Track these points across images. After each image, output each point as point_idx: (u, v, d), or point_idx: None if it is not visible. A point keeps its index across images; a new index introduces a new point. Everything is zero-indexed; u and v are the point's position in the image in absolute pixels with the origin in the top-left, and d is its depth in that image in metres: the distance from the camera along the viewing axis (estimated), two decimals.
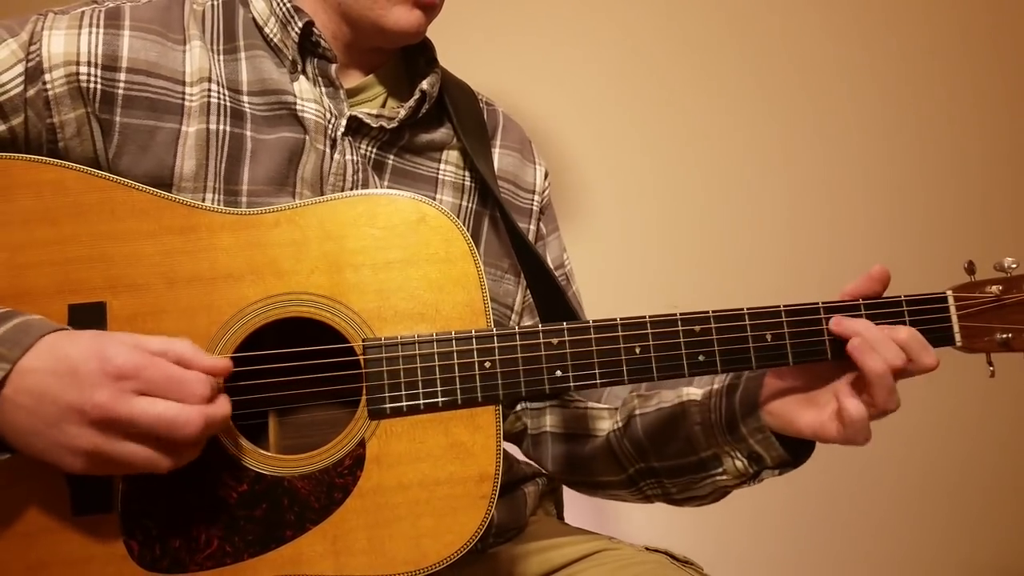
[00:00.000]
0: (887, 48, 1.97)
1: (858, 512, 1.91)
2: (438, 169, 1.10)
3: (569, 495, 1.27)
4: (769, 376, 1.00)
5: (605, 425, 1.16)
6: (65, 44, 0.94)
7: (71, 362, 0.76)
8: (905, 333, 0.92)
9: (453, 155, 1.12)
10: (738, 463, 1.04)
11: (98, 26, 0.96)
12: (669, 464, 1.10)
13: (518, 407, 1.21)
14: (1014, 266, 0.96)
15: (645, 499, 1.16)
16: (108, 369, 0.76)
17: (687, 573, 1.07)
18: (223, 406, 0.81)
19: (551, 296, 1.06)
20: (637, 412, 1.12)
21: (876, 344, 0.90)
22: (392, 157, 1.07)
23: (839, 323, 0.93)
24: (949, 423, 1.89)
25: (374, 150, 1.05)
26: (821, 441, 0.97)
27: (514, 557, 1.10)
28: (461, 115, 1.11)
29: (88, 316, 0.87)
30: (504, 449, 1.18)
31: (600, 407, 1.17)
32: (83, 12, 0.98)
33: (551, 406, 1.20)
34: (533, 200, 1.19)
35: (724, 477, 1.06)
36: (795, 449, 1.01)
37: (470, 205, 1.11)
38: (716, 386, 1.07)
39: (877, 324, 0.93)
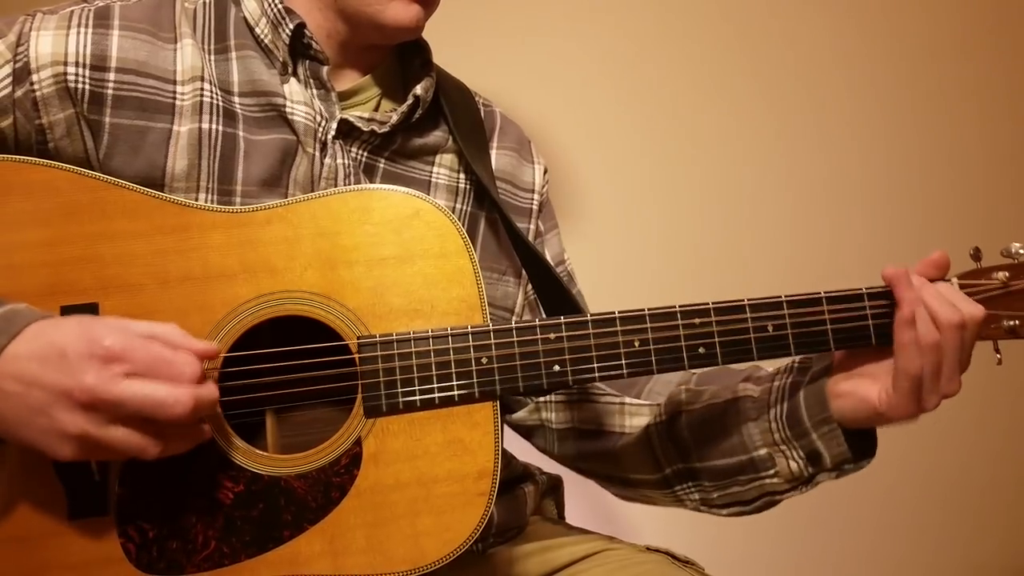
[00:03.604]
0: (885, 38, 1.95)
1: (858, 512, 1.89)
2: (431, 172, 1.08)
3: (570, 494, 1.26)
4: (841, 356, 0.97)
5: (642, 421, 1.11)
6: (53, 45, 0.94)
7: (58, 346, 0.76)
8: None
9: (448, 158, 1.10)
10: (793, 464, 0.99)
11: (87, 26, 0.95)
12: (713, 464, 1.05)
13: (541, 399, 1.18)
14: (1022, 251, 0.94)
15: (678, 502, 1.11)
16: (96, 351, 0.75)
17: (688, 573, 1.05)
18: (212, 389, 0.81)
19: (555, 293, 1.04)
20: (684, 408, 1.08)
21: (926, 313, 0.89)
22: (383, 161, 1.05)
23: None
24: (948, 421, 1.86)
25: (365, 154, 1.04)
26: (886, 417, 0.94)
27: (514, 557, 1.08)
28: (457, 117, 1.09)
29: None
30: (504, 447, 1.17)
31: (639, 403, 1.13)
32: (72, 12, 0.97)
33: (579, 400, 1.16)
34: (532, 199, 1.17)
35: (775, 480, 1.01)
36: (858, 447, 0.98)
37: (465, 207, 1.10)
38: (777, 383, 1.03)
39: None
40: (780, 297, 0.92)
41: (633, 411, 1.13)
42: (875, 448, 0.99)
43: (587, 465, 1.17)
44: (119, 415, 0.76)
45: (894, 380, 0.91)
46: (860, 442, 0.98)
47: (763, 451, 1.01)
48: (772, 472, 1.01)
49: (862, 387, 0.95)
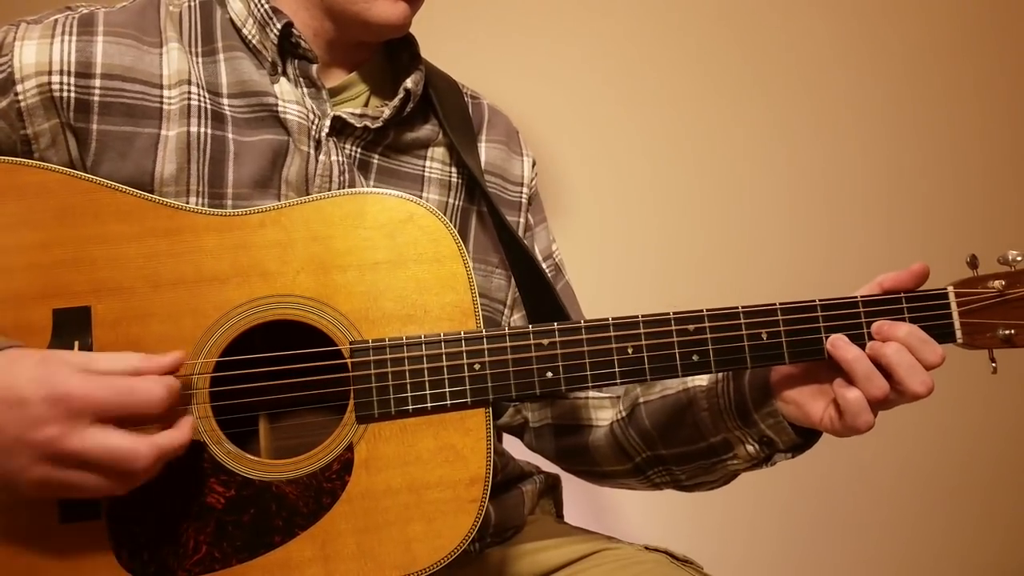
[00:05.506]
0: (885, 42, 1.94)
1: (858, 512, 1.90)
2: (424, 166, 1.08)
3: (568, 494, 1.26)
4: None
5: (607, 415, 1.15)
6: (37, 54, 0.93)
7: (18, 392, 0.74)
8: (904, 331, 0.90)
9: (439, 151, 1.10)
10: (749, 448, 1.03)
11: (71, 34, 0.95)
12: (677, 451, 1.09)
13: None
14: (1019, 259, 0.93)
15: (654, 487, 1.16)
16: (56, 399, 0.73)
17: (687, 572, 1.06)
18: (179, 435, 0.79)
19: (540, 292, 1.05)
20: (641, 400, 1.11)
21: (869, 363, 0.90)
22: (377, 156, 1.05)
23: (835, 346, 0.91)
24: (950, 422, 1.87)
25: (359, 150, 1.04)
26: (832, 434, 0.96)
27: (512, 557, 1.09)
28: (447, 110, 1.09)
29: (73, 320, 0.86)
30: (502, 448, 1.18)
31: (601, 396, 1.16)
32: (56, 20, 0.96)
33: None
34: (521, 192, 1.17)
35: (735, 462, 1.05)
36: (806, 430, 1.00)
37: (457, 202, 1.09)
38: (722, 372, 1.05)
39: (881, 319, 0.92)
40: (775, 304, 0.92)
41: (596, 404, 1.16)
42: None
43: (566, 463, 1.20)
44: (82, 463, 0.75)
45: (839, 410, 0.92)
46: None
47: (719, 437, 1.05)
48: (731, 455, 1.05)
49: (807, 401, 0.97)
